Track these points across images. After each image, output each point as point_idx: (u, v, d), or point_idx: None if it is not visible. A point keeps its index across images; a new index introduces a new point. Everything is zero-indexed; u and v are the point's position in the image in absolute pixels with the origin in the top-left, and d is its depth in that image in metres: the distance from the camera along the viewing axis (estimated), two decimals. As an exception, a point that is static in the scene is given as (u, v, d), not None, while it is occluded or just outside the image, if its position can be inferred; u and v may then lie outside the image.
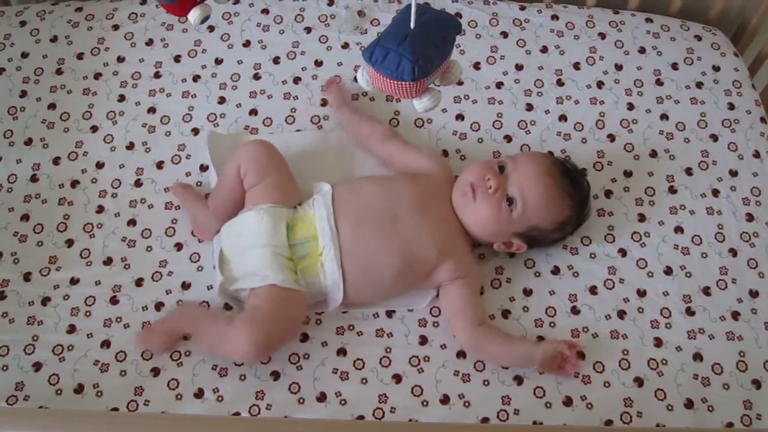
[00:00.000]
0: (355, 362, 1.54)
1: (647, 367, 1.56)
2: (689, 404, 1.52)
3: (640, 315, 1.61)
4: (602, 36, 1.93)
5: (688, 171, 1.77)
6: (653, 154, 1.79)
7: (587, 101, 1.84)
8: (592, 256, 1.67)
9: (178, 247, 1.65)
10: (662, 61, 1.90)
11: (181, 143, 1.76)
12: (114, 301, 1.59)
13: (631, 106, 1.84)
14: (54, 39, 1.89)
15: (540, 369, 1.53)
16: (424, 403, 1.51)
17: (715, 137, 1.81)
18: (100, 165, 1.74)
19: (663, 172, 1.76)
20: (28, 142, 1.76)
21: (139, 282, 1.62)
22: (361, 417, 1.49)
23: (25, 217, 1.68)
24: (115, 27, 1.91)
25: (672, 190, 1.74)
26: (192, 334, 1.54)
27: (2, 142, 1.76)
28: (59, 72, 1.85)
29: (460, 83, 1.84)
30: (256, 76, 1.85)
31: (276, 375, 1.52)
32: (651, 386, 1.54)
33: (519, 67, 1.88)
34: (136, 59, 1.87)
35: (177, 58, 1.87)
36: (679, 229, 1.70)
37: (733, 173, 1.77)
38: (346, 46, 1.90)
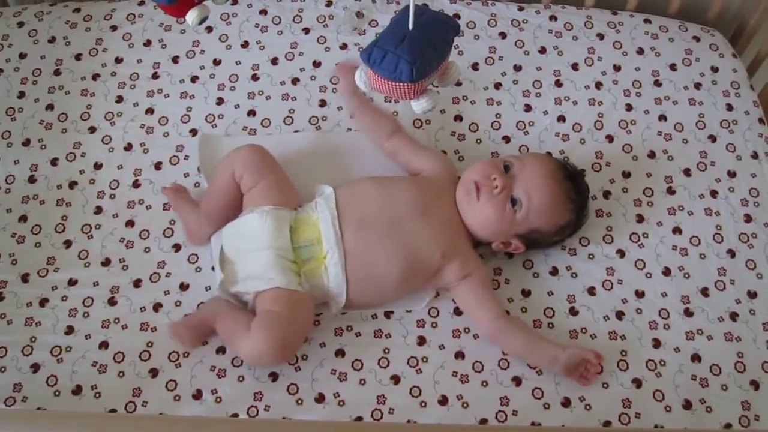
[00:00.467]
0: (353, 363, 1.54)
1: (645, 368, 1.56)
2: (687, 405, 1.52)
3: (638, 316, 1.61)
4: (600, 37, 1.93)
5: (687, 172, 1.77)
6: (651, 154, 1.78)
7: (586, 102, 1.84)
8: (591, 256, 1.67)
9: (177, 248, 1.65)
10: (661, 61, 1.90)
11: (179, 144, 1.76)
12: (112, 302, 1.59)
13: (629, 107, 1.84)
14: (52, 40, 1.89)
15: (562, 372, 1.52)
16: (423, 404, 1.51)
17: (713, 138, 1.81)
18: (98, 166, 1.74)
19: (661, 172, 1.76)
20: (26, 143, 1.76)
21: (137, 283, 1.61)
22: (359, 418, 1.49)
23: (23, 218, 1.68)
24: (113, 28, 1.91)
25: (670, 191, 1.74)
26: (216, 330, 1.54)
27: (0, 143, 1.76)
28: (57, 73, 1.85)
29: (459, 84, 1.84)
30: (255, 77, 1.85)
31: (274, 376, 1.52)
32: (649, 387, 1.54)
33: (517, 68, 1.88)
34: (134, 60, 1.86)
35: (175, 59, 1.87)
36: (677, 230, 1.70)
37: (732, 174, 1.77)
38: (344, 47, 1.89)
